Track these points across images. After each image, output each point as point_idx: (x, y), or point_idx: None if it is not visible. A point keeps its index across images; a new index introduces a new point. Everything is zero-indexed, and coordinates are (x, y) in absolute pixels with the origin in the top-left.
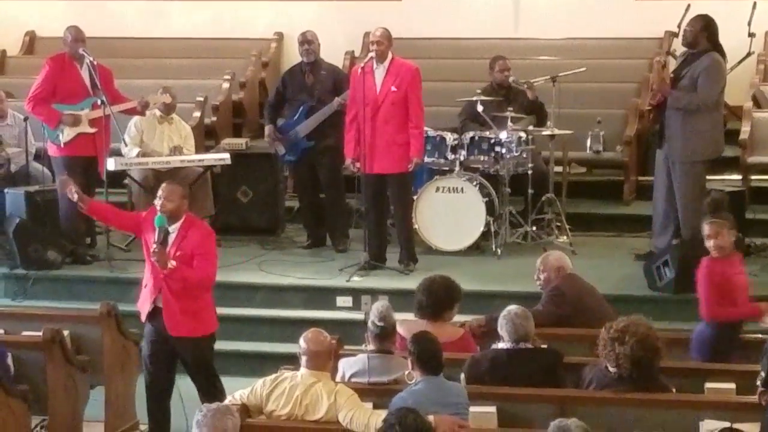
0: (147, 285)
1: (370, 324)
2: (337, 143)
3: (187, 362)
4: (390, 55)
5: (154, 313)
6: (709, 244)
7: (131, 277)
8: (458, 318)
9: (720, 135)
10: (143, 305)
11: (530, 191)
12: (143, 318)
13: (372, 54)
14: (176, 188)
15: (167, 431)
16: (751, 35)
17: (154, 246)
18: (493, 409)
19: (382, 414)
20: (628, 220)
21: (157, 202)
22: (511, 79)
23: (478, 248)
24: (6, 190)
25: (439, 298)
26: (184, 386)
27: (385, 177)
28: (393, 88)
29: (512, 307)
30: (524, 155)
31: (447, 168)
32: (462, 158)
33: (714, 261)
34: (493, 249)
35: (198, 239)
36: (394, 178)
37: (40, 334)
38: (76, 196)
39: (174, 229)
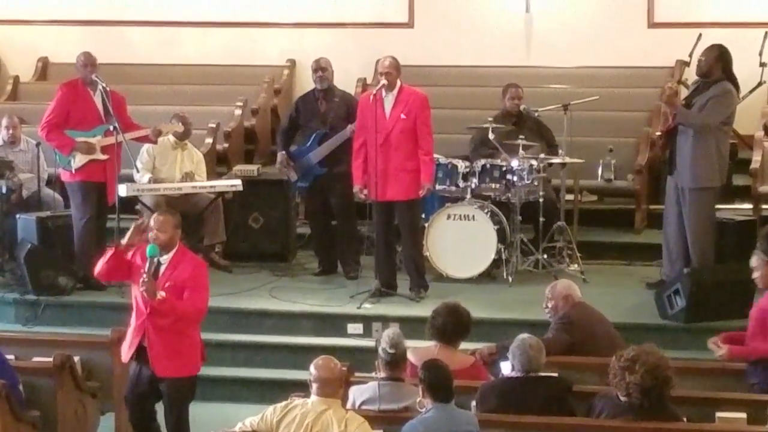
0: (132, 324)
1: (380, 351)
2: (349, 170)
3: (164, 400)
4: (399, 83)
5: (139, 353)
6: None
7: None
8: (469, 345)
9: (725, 163)
10: (128, 345)
11: (541, 219)
12: (126, 358)
13: (384, 81)
14: (169, 218)
15: None
16: (763, 65)
17: (144, 276)
18: None
19: None
20: (640, 249)
21: (150, 234)
22: (522, 107)
23: (489, 276)
24: (18, 216)
25: (463, 323)
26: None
27: (395, 204)
28: (402, 116)
29: (526, 337)
30: (535, 183)
31: (458, 195)
32: (473, 186)
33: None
34: (505, 277)
35: (189, 271)
36: (404, 205)
37: (51, 359)
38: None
39: (165, 259)
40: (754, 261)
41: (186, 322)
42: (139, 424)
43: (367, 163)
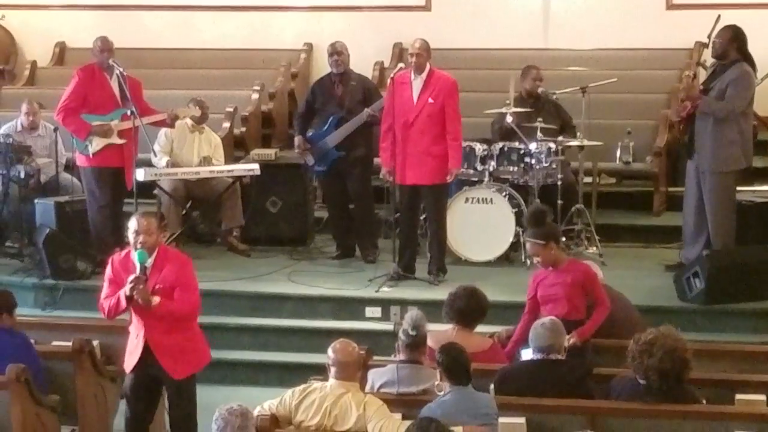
0: (138, 334)
1: (401, 333)
2: (366, 154)
3: (173, 397)
4: (428, 67)
5: (146, 354)
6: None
7: None
8: (488, 328)
9: (749, 145)
10: (131, 355)
11: (560, 202)
12: (129, 367)
13: (402, 64)
14: (152, 220)
15: None
16: None
17: (132, 284)
18: (522, 420)
19: None
20: (658, 231)
21: (135, 238)
22: (540, 89)
23: (507, 259)
24: (36, 201)
25: (481, 307)
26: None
27: (420, 188)
28: (430, 100)
29: (544, 319)
30: (554, 166)
31: (476, 179)
32: (491, 169)
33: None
34: (523, 260)
35: (176, 270)
36: (430, 189)
37: (70, 344)
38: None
39: (149, 262)
40: (530, 249)
41: (182, 322)
42: (135, 423)
43: (394, 145)
